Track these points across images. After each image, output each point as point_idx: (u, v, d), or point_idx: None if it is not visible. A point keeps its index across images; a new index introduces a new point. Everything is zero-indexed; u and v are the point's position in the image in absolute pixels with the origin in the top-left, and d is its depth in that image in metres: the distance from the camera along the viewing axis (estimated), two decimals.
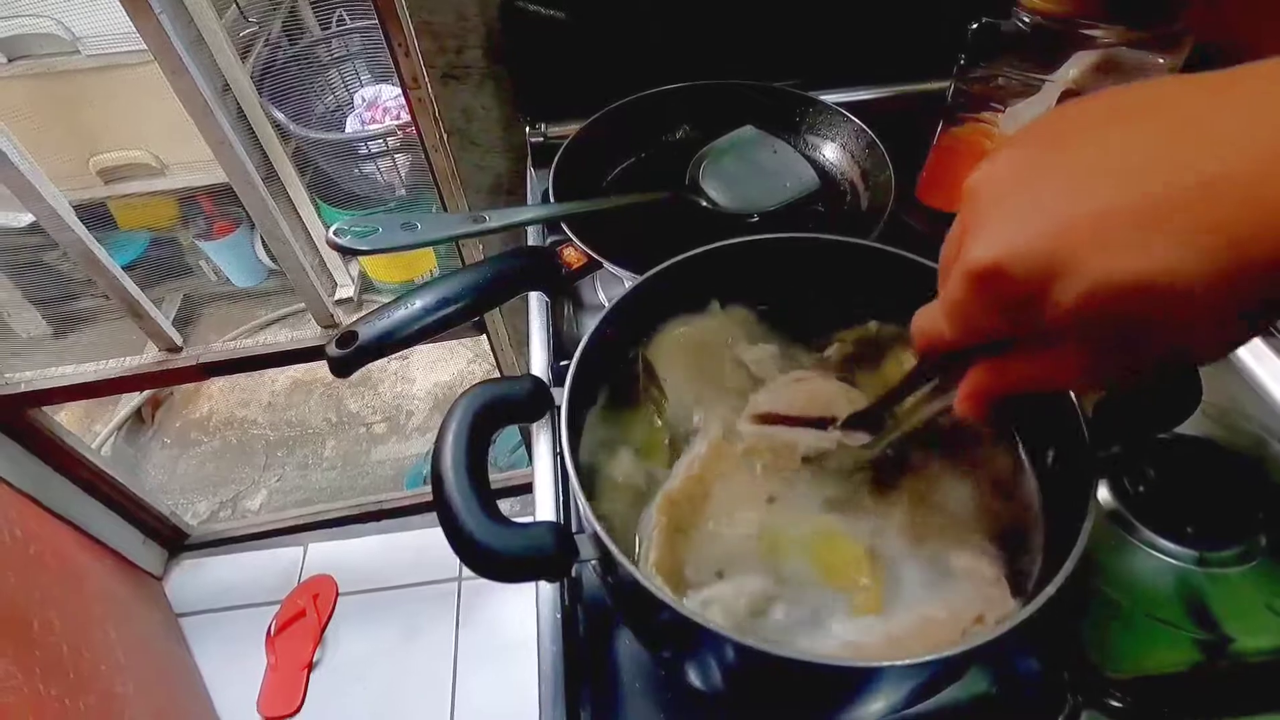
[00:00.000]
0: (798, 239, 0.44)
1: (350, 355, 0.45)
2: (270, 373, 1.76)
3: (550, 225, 0.64)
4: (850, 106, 0.66)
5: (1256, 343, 0.55)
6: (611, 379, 0.43)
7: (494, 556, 0.30)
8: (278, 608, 1.32)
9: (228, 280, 1.82)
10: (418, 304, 0.48)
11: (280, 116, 1.38)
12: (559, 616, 0.42)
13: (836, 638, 0.32)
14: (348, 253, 0.49)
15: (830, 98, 0.67)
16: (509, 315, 1.07)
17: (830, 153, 0.67)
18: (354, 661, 1.27)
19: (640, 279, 0.42)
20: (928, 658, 0.28)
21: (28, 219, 1.40)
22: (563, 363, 0.50)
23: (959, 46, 0.56)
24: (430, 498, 0.32)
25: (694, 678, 0.37)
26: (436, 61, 0.74)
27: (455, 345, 1.78)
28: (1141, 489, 0.47)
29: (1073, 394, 0.34)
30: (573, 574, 0.45)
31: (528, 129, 0.75)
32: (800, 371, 0.42)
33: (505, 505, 1.38)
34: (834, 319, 0.45)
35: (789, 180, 0.62)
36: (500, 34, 0.72)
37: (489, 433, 0.36)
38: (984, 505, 0.37)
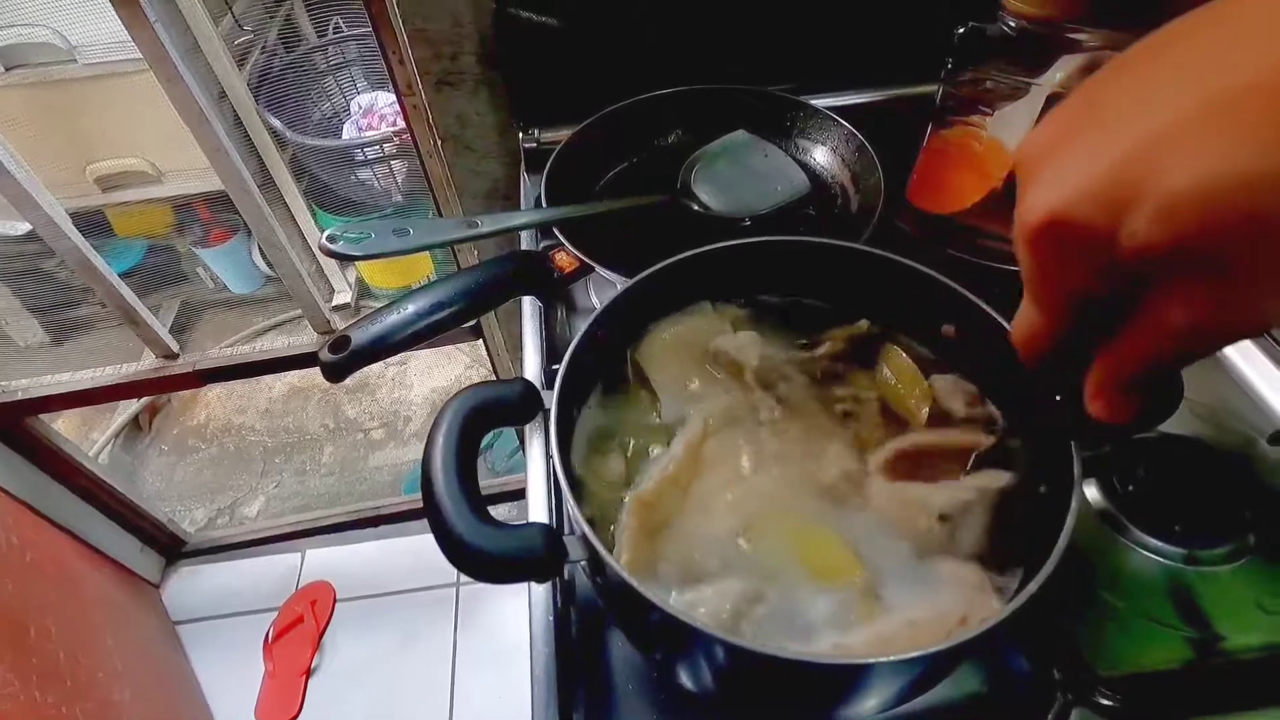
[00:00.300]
0: (787, 242, 0.45)
1: (343, 360, 0.46)
2: (267, 379, 1.76)
3: (543, 230, 0.64)
4: (840, 110, 0.66)
5: (1244, 343, 0.55)
6: (603, 380, 0.43)
7: (483, 558, 0.31)
8: (275, 614, 1.32)
9: (224, 287, 1.83)
10: (411, 309, 0.48)
11: (277, 123, 1.38)
12: (551, 619, 0.42)
13: (824, 639, 0.32)
14: (341, 258, 0.49)
15: (821, 102, 0.68)
16: (505, 320, 1.07)
17: (821, 156, 0.68)
18: (352, 667, 1.27)
19: (630, 282, 0.42)
20: (914, 654, 0.28)
21: (25, 227, 1.40)
22: (555, 366, 0.50)
23: (947, 50, 0.57)
24: None
25: (685, 679, 0.37)
26: (431, 68, 0.75)
27: (452, 351, 1.78)
28: (1131, 488, 0.48)
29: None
30: (565, 576, 0.45)
31: (521, 134, 0.75)
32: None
33: (503, 510, 1.38)
34: (824, 320, 0.45)
35: (780, 184, 0.63)
36: (494, 40, 0.72)
37: (479, 435, 0.36)
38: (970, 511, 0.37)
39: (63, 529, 1.12)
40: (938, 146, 0.61)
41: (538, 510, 0.46)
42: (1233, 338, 0.22)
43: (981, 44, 0.54)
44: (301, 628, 1.29)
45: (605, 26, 0.70)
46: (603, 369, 0.43)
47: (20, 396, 1.00)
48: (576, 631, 0.44)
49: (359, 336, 0.46)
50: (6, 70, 1.25)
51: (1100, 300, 0.23)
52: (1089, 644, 0.42)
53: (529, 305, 0.60)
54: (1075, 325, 0.24)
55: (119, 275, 0.92)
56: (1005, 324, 0.35)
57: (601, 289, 0.62)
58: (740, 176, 0.63)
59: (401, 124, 1.13)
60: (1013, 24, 0.52)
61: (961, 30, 0.55)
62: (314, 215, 1.56)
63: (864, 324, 0.43)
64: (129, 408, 1.65)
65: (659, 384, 0.42)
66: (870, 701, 0.34)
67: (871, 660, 0.29)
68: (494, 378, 1.20)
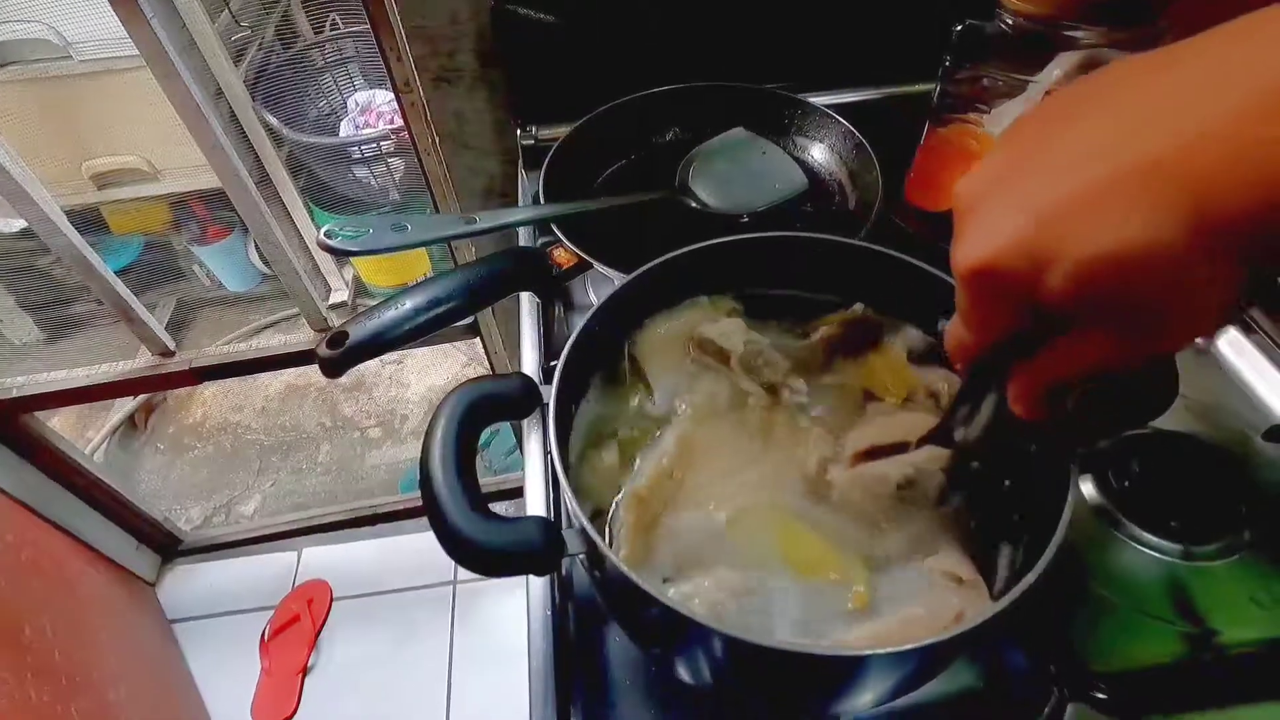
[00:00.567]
0: (784, 238, 0.45)
1: (341, 356, 0.46)
2: (264, 377, 1.76)
3: (541, 227, 0.64)
4: (838, 108, 0.66)
5: (1238, 339, 0.56)
6: (601, 375, 0.43)
7: (481, 551, 0.31)
8: (272, 613, 1.32)
9: (221, 285, 1.82)
10: (408, 304, 0.48)
11: (274, 121, 1.38)
12: (549, 614, 0.42)
13: (820, 632, 0.32)
14: (338, 254, 0.49)
15: (819, 100, 0.68)
16: (502, 318, 1.07)
17: (819, 154, 0.68)
18: (349, 666, 1.26)
19: (628, 278, 0.42)
20: (911, 646, 0.28)
21: (20, 224, 1.40)
22: (553, 362, 0.50)
23: (944, 48, 0.57)
24: None
25: (683, 673, 0.37)
26: (428, 65, 0.75)
27: (449, 349, 1.78)
28: (1127, 485, 0.48)
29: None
30: (563, 572, 0.45)
31: (519, 131, 0.75)
32: (878, 405, 0.42)
33: (501, 508, 1.38)
34: (820, 315, 0.45)
35: (778, 181, 0.63)
36: (491, 38, 0.72)
37: (478, 430, 0.36)
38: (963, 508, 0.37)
39: (58, 527, 1.12)
40: (935, 144, 0.61)
41: (536, 504, 0.46)
42: (1134, 366, 0.25)
43: (979, 42, 0.54)
44: (298, 626, 1.29)
45: (603, 23, 0.70)
46: (600, 364, 0.43)
47: (15, 394, 0.99)
48: (574, 627, 0.44)
49: (357, 332, 0.46)
50: (2, 67, 1.25)
51: (1019, 330, 0.26)
52: (1085, 639, 0.42)
53: (527, 301, 0.60)
54: (997, 347, 0.28)
55: (115, 273, 0.91)
56: None
57: (599, 285, 0.62)
58: (738, 174, 0.63)
59: (399, 121, 1.13)
60: (1010, 22, 0.52)
61: (959, 28, 0.55)
62: (311, 213, 1.55)
63: (859, 308, 0.43)
64: (125, 406, 1.64)
65: (654, 377, 0.42)
66: (866, 695, 0.34)
67: (868, 653, 0.29)
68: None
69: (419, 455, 0.34)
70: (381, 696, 1.23)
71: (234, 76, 1.30)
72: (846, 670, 0.31)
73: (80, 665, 0.99)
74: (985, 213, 0.25)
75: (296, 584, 1.36)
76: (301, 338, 1.05)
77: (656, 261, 0.43)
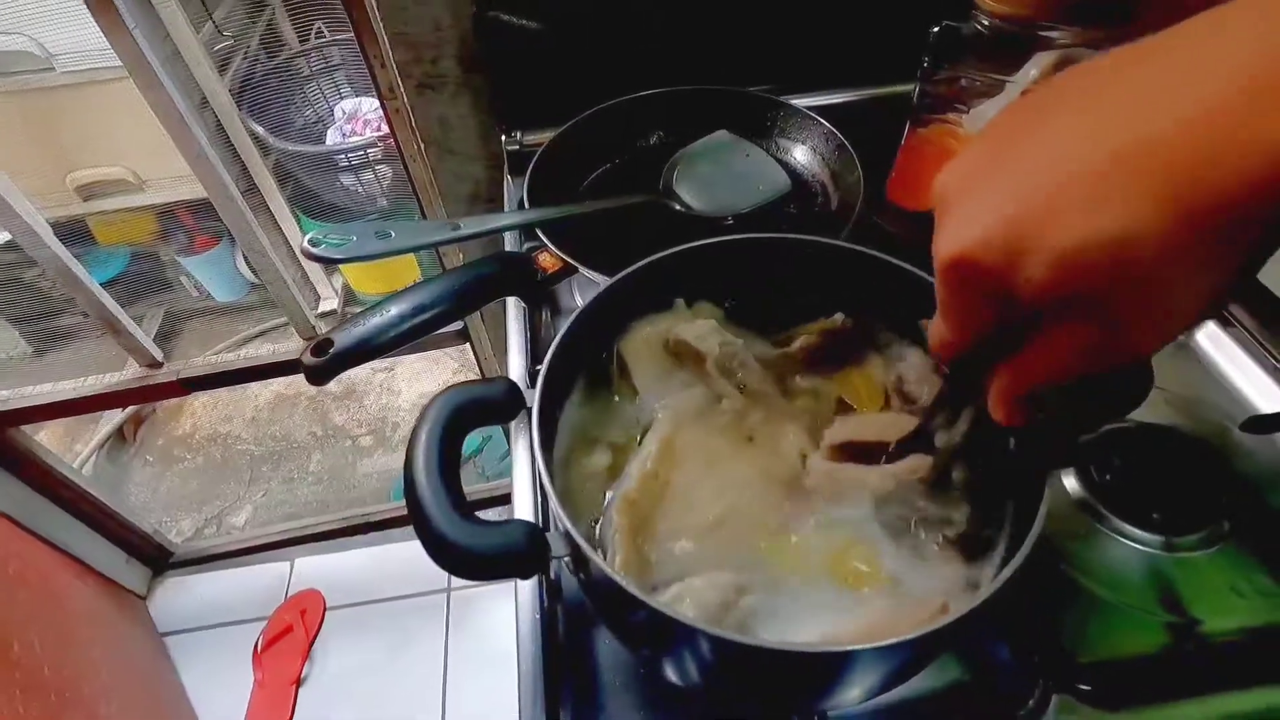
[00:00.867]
0: (767, 239, 0.45)
1: (326, 363, 0.45)
2: (254, 387, 1.75)
3: (526, 231, 0.64)
4: (820, 110, 0.67)
5: (1216, 332, 0.56)
6: (586, 379, 0.44)
7: (465, 555, 0.31)
8: (265, 624, 1.31)
9: (209, 295, 1.81)
10: (393, 311, 0.48)
11: (260, 130, 1.37)
12: (538, 617, 0.42)
13: (809, 629, 0.32)
14: (322, 261, 0.49)
15: (801, 102, 0.69)
16: (492, 324, 1.07)
17: (801, 155, 0.68)
18: (343, 676, 1.26)
19: (611, 280, 0.42)
20: (894, 641, 0.28)
21: (4, 237, 1.39)
22: (539, 366, 0.50)
23: (923, 50, 0.57)
24: None
25: (671, 673, 0.37)
26: (412, 72, 0.75)
27: (440, 355, 1.77)
28: (1108, 478, 0.48)
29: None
30: (551, 575, 0.45)
31: (504, 137, 0.75)
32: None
33: (494, 514, 1.38)
34: (803, 316, 0.46)
35: (761, 183, 0.63)
36: (474, 43, 0.73)
37: (462, 435, 0.36)
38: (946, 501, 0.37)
39: (46, 542, 1.11)
40: (915, 144, 0.62)
41: (524, 508, 0.47)
42: (1113, 364, 0.25)
43: (956, 43, 0.55)
44: (291, 637, 1.28)
45: (586, 28, 0.70)
46: (585, 368, 0.44)
47: (2, 409, 0.99)
48: (564, 630, 0.44)
49: (341, 339, 0.46)
50: None
51: (999, 325, 0.26)
52: (1069, 631, 0.43)
53: (513, 306, 0.60)
54: (978, 342, 0.27)
55: (101, 284, 0.91)
56: None
57: (585, 289, 0.63)
58: (722, 176, 0.64)
59: (386, 129, 1.13)
60: (986, 23, 0.53)
61: (936, 29, 0.55)
62: (299, 221, 1.55)
63: (839, 318, 0.44)
64: (113, 418, 1.63)
65: (639, 380, 0.42)
66: (853, 691, 0.35)
67: (851, 648, 0.29)
68: None
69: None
70: (376, 705, 1.22)
71: (219, 86, 1.29)
72: (832, 666, 0.32)
73: (70, 681, 0.98)
74: (962, 206, 0.25)
75: (289, 594, 1.35)
76: (291, 347, 1.05)
77: (639, 265, 0.43)
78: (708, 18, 0.71)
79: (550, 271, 0.55)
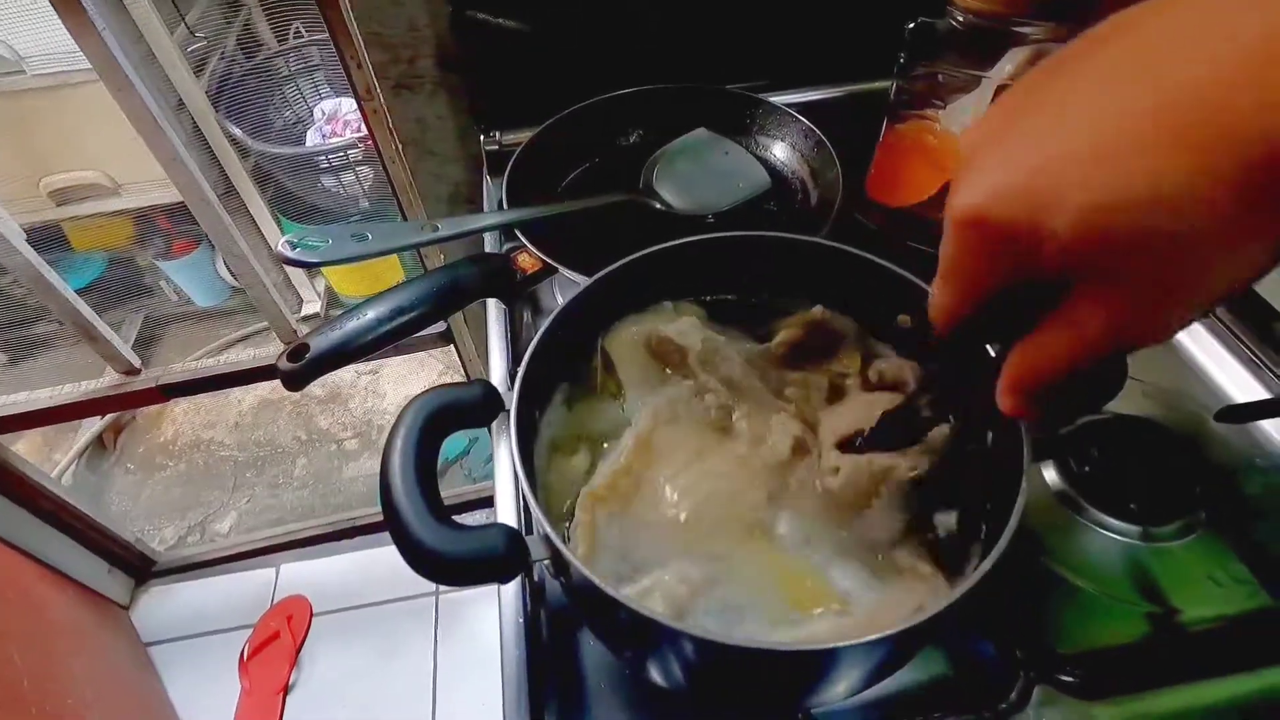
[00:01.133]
0: (747, 237, 0.45)
1: (302, 368, 0.45)
2: (236, 392, 1.73)
3: (506, 232, 0.64)
4: (799, 107, 0.67)
5: (1194, 325, 0.57)
6: (567, 379, 0.43)
7: (442, 560, 0.30)
8: (251, 631, 1.29)
9: (189, 300, 1.79)
10: (371, 314, 0.47)
11: (237, 132, 1.36)
12: (522, 621, 0.42)
13: (786, 626, 0.32)
14: (299, 265, 0.49)
15: (779, 99, 0.69)
16: (475, 325, 1.06)
17: (780, 152, 0.68)
18: (331, 682, 1.25)
19: (589, 281, 0.42)
20: (876, 636, 0.28)
21: None
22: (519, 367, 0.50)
23: (899, 46, 0.57)
24: None
25: (655, 674, 0.37)
26: (389, 72, 0.74)
27: (425, 358, 1.76)
28: (1086, 469, 0.49)
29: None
30: (535, 578, 0.45)
31: (482, 137, 0.75)
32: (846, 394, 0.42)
33: (480, 516, 1.37)
34: (785, 313, 0.46)
35: (741, 180, 0.63)
36: (451, 43, 0.72)
37: (439, 438, 0.36)
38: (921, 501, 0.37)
39: (25, 553, 1.09)
40: (893, 141, 0.62)
41: (506, 512, 0.46)
42: (1140, 344, 0.23)
43: (932, 39, 0.55)
44: (278, 644, 1.27)
45: (564, 27, 0.70)
46: (565, 369, 0.43)
47: None
48: (548, 633, 0.44)
49: (318, 343, 0.45)
50: None
51: (1008, 294, 0.24)
52: (1050, 623, 0.43)
53: (494, 308, 0.59)
54: (982, 313, 0.26)
55: (78, 290, 0.90)
56: None
57: (566, 290, 0.62)
58: (701, 174, 0.63)
59: (365, 130, 1.12)
60: (961, 19, 0.53)
61: (912, 26, 0.56)
62: (279, 224, 1.53)
63: (817, 310, 0.44)
64: (92, 426, 1.61)
65: (624, 379, 0.42)
66: (837, 687, 0.35)
67: (832, 646, 0.29)
68: None
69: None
70: (365, 712, 1.21)
71: (195, 87, 1.27)
72: (813, 664, 0.32)
73: (51, 694, 0.97)
74: (984, 160, 0.23)
75: (275, 601, 1.34)
76: (272, 351, 1.03)
77: (618, 264, 0.43)
78: (687, 16, 0.71)
79: (530, 272, 0.55)
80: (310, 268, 0.50)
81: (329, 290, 1.75)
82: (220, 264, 1.73)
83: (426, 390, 0.37)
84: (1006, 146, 0.23)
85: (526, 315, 0.62)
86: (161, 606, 1.35)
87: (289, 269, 1.63)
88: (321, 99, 1.57)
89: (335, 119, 1.52)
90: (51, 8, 0.64)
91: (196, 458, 1.63)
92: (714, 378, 0.40)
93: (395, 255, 1.35)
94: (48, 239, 1.44)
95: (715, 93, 0.69)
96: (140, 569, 1.36)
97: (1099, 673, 0.41)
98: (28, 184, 1.35)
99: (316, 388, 1.72)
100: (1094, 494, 0.48)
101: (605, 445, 0.40)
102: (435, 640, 1.28)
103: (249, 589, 1.36)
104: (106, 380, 0.99)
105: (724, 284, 0.47)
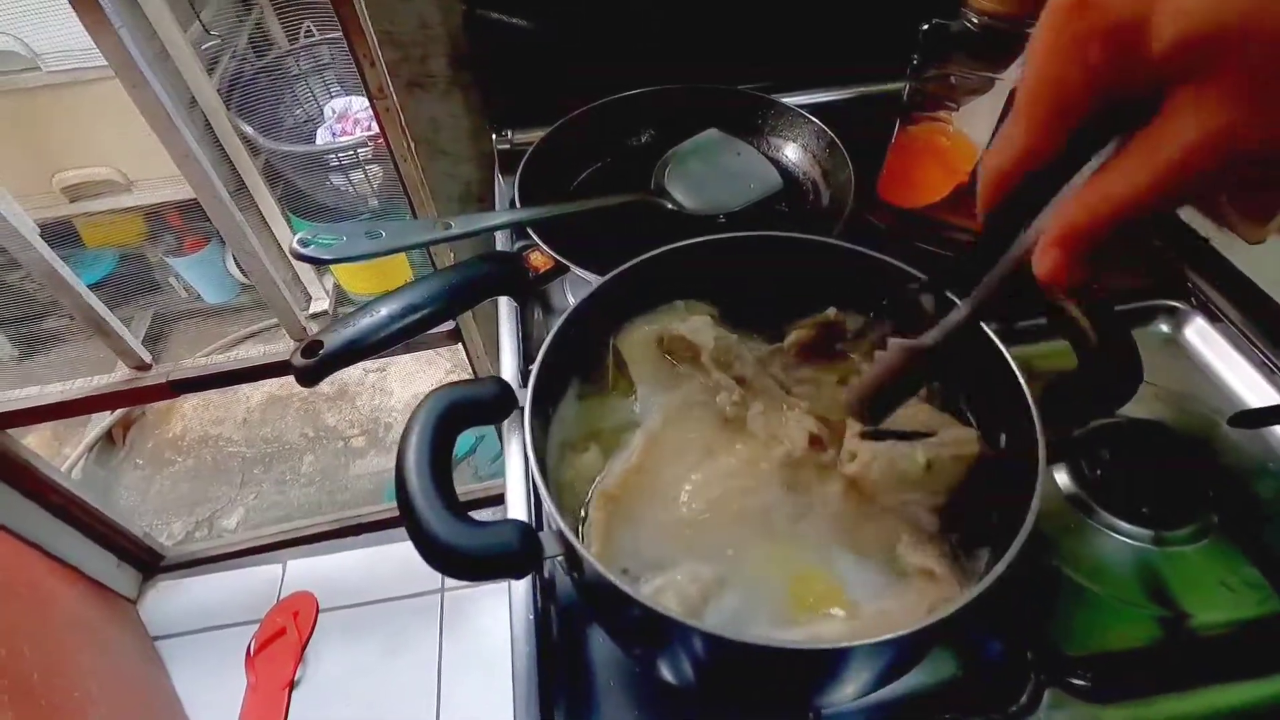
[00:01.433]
0: (758, 237, 0.45)
1: (316, 365, 0.45)
2: (245, 389, 1.74)
3: (518, 231, 0.64)
4: (811, 108, 0.67)
5: (1204, 327, 0.57)
6: (579, 377, 0.44)
7: (457, 555, 0.31)
8: (257, 627, 1.30)
9: (199, 297, 1.80)
10: (383, 311, 0.48)
11: (249, 130, 1.36)
12: (532, 617, 0.42)
13: (796, 624, 0.32)
14: (311, 262, 0.49)
15: (791, 100, 0.69)
16: (484, 323, 1.07)
17: (792, 153, 0.68)
18: (337, 678, 1.25)
19: (603, 279, 0.42)
20: (888, 637, 0.29)
21: None
22: (531, 366, 0.50)
23: (913, 47, 0.57)
24: None
25: (665, 671, 0.37)
26: (401, 71, 0.75)
27: (433, 356, 1.77)
28: (1098, 472, 0.49)
29: (1023, 382, 0.35)
30: (545, 574, 0.45)
31: (494, 136, 0.75)
32: None
33: (488, 514, 1.37)
34: (796, 313, 0.46)
35: (753, 181, 0.63)
36: (464, 42, 0.72)
37: (453, 435, 0.36)
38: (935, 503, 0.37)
39: (35, 547, 1.10)
40: (906, 142, 0.62)
41: (517, 508, 0.46)
42: (1255, 152, 0.18)
43: (946, 40, 0.55)
44: (284, 640, 1.28)
45: (576, 27, 0.70)
46: (578, 367, 0.43)
47: None
48: (558, 629, 0.44)
49: (331, 340, 0.46)
50: None
51: (1094, 125, 0.21)
52: (1060, 625, 0.43)
53: (505, 306, 0.60)
54: (1059, 151, 0.22)
55: (89, 286, 0.90)
56: None
57: (577, 289, 0.62)
58: (713, 174, 0.63)
59: (376, 129, 1.12)
60: (975, 20, 0.53)
61: (926, 27, 0.56)
62: (289, 222, 1.54)
63: (831, 312, 0.44)
64: (101, 421, 1.62)
65: (637, 378, 0.42)
66: (847, 688, 0.35)
67: (844, 646, 0.29)
68: None
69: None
70: (371, 708, 1.22)
71: (207, 85, 1.28)
72: (824, 664, 0.32)
73: (60, 687, 0.97)
74: None
75: (281, 597, 1.35)
76: (281, 348, 1.04)
77: (631, 263, 0.43)
78: (699, 16, 0.71)
79: (542, 271, 0.55)
80: (323, 264, 0.50)
81: (337, 288, 1.75)
82: (229, 261, 1.74)
83: (441, 387, 0.37)
84: None
85: (538, 313, 0.62)
86: (169, 601, 1.36)
87: (298, 266, 1.64)
88: (332, 97, 1.58)
89: (345, 117, 1.53)
90: (68, 5, 0.65)
91: (205, 453, 1.64)
92: (727, 376, 0.40)
93: (404, 254, 1.35)
94: (60, 235, 1.45)
95: (727, 93, 0.69)
96: (148, 564, 1.37)
97: (1110, 676, 0.41)
98: (41, 180, 1.36)
99: (324, 385, 1.72)
100: (1105, 497, 0.48)
101: (617, 443, 0.41)
102: (440, 637, 1.28)
103: (256, 585, 1.37)
104: (117, 375, 1.00)
105: (735, 284, 0.47)
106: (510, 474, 0.48)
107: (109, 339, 0.95)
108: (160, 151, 0.78)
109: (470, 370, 1.14)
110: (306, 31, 1.50)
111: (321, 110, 1.57)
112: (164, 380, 0.99)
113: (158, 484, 1.59)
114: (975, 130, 0.57)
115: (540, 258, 0.55)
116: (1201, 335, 0.57)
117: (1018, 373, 0.35)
